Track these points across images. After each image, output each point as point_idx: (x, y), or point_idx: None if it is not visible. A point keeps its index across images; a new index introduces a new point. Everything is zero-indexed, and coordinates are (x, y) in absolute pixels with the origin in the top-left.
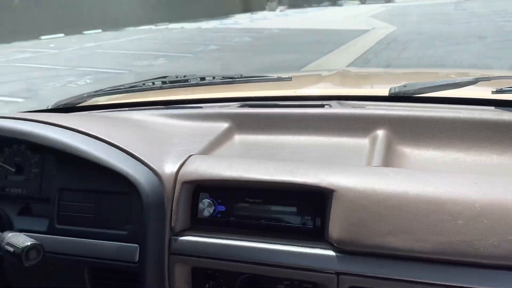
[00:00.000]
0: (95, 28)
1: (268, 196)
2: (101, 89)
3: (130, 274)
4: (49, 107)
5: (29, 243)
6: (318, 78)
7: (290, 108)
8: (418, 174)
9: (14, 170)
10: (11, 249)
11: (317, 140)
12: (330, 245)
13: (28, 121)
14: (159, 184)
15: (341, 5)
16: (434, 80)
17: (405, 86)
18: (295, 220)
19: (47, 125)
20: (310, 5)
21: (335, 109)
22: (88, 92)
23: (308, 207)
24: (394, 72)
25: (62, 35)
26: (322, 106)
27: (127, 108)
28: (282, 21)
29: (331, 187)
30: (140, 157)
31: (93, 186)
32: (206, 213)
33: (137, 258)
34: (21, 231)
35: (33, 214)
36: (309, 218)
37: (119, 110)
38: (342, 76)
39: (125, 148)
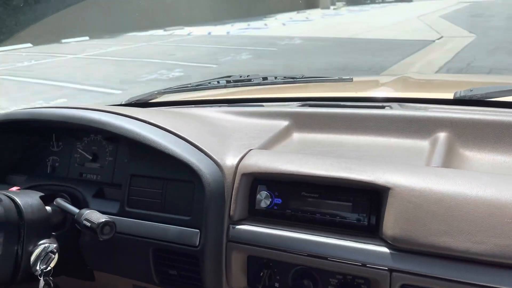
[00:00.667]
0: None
1: (324, 191)
2: (170, 87)
3: (191, 257)
4: (123, 103)
5: (103, 219)
6: (379, 82)
7: (350, 109)
8: (478, 175)
9: (91, 158)
10: (88, 223)
11: (376, 140)
12: (384, 242)
13: (106, 113)
14: (220, 175)
15: (410, 0)
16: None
17: (471, 90)
18: (350, 216)
19: (122, 116)
20: (373, 1)
21: (396, 110)
22: (158, 90)
23: (363, 204)
24: (459, 78)
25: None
26: (382, 107)
27: (193, 105)
28: (322, 24)
29: (387, 184)
30: (204, 149)
31: (160, 174)
32: (263, 204)
33: (197, 242)
34: None
35: (106, 198)
36: (364, 214)
37: (186, 106)
38: (404, 81)
39: (190, 139)
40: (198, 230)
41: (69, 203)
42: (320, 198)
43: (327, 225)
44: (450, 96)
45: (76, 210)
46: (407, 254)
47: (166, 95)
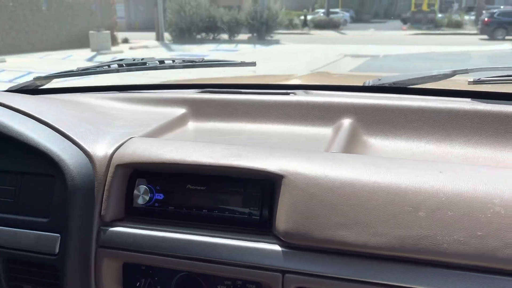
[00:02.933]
0: None
1: (212, 183)
2: (54, 73)
3: (48, 267)
4: (4, 90)
5: None
6: (290, 75)
7: (252, 95)
8: (377, 160)
9: None
10: None
11: (277, 128)
12: (277, 239)
13: None
14: (89, 167)
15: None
16: None
17: (379, 79)
18: (240, 210)
19: None
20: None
21: (300, 96)
22: (39, 75)
23: (255, 196)
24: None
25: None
26: (287, 94)
27: (82, 92)
28: None
29: (280, 172)
30: (70, 135)
31: (13, 167)
32: (141, 201)
33: (57, 250)
34: None
35: None
36: (256, 208)
37: (73, 94)
38: (319, 75)
39: (54, 125)
40: (58, 235)
41: None
42: (208, 191)
43: (215, 222)
44: (359, 84)
45: None
46: (301, 252)
47: (55, 81)
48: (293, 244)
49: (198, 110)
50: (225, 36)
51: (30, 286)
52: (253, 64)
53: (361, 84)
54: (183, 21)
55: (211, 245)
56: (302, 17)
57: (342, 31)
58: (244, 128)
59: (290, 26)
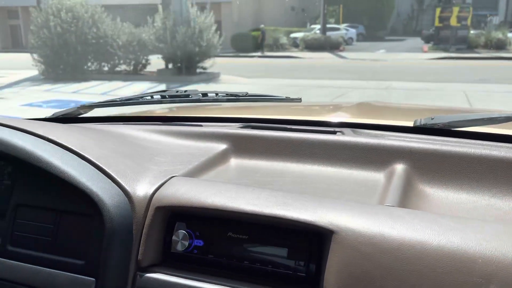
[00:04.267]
0: None
1: (256, 232)
2: (98, 102)
3: None
4: (46, 117)
5: None
6: (334, 107)
7: (297, 133)
8: (442, 219)
9: None
10: None
11: (324, 170)
12: None
13: None
14: (128, 208)
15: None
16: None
17: (432, 118)
18: (285, 265)
19: (14, 129)
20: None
21: (348, 136)
22: (82, 104)
23: (302, 250)
24: (420, 107)
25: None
26: (334, 133)
27: (123, 122)
28: None
29: (330, 227)
30: (111, 173)
31: (52, 204)
32: (180, 247)
33: None
34: None
35: None
36: (302, 263)
37: (114, 123)
38: (361, 107)
39: (95, 162)
40: (93, 279)
41: None
42: (251, 241)
43: (257, 275)
44: (409, 124)
45: None
46: None
47: (96, 110)
48: None
49: (240, 147)
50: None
51: None
52: (298, 100)
53: (412, 122)
54: (50, 43)
55: None
56: (294, 35)
57: (341, 54)
58: (288, 169)
59: (275, 46)
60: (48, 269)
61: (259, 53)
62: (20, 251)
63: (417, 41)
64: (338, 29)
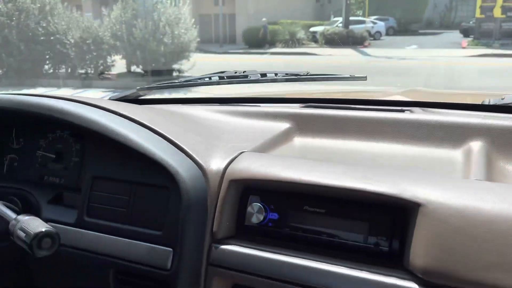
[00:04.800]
0: None
1: (333, 206)
2: (155, 84)
3: (160, 282)
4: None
5: (43, 229)
6: (396, 89)
7: (363, 111)
8: None
9: (53, 157)
10: (22, 234)
11: (394, 148)
12: (410, 274)
13: (70, 101)
14: (203, 181)
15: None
16: None
17: (502, 98)
18: (366, 239)
19: (88, 106)
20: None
21: (419, 114)
22: (141, 86)
23: (384, 224)
24: (474, 91)
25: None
26: (402, 111)
27: (182, 104)
28: None
29: (417, 200)
30: (185, 148)
31: (129, 176)
32: (255, 219)
33: (169, 265)
34: (48, 220)
35: (64, 204)
36: (384, 238)
37: (170, 105)
38: (418, 91)
39: (169, 136)
40: (171, 249)
41: (11, 208)
42: (328, 214)
43: (336, 249)
44: (478, 102)
45: (13, 216)
46: None
47: (153, 92)
48: (433, 282)
49: (304, 126)
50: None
51: None
52: (363, 78)
53: (478, 102)
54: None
55: (331, 274)
56: (314, 29)
57: (365, 50)
58: (356, 147)
59: (291, 42)
60: (126, 239)
61: (271, 49)
62: (97, 222)
63: (455, 35)
64: (363, 22)
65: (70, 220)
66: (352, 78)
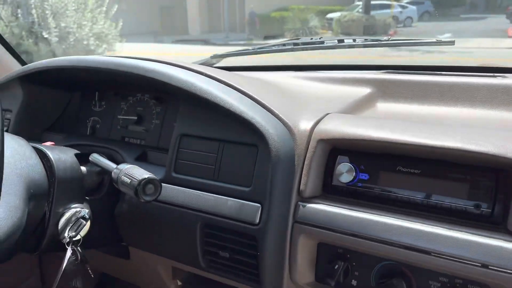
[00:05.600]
0: None
1: (430, 166)
2: (229, 52)
3: (248, 237)
4: None
5: (147, 176)
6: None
7: (450, 77)
8: None
9: (135, 119)
10: (127, 180)
11: (487, 113)
12: None
13: (157, 62)
14: (290, 139)
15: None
16: None
17: None
18: (465, 201)
19: (174, 66)
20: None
21: None
22: (214, 54)
23: (486, 186)
24: None
25: None
26: (494, 76)
27: (257, 71)
28: None
29: None
30: (272, 108)
31: (217, 134)
32: (344, 179)
33: (258, 219)
34: None
35: (149, 162)
36: (486, 199)
37: (250, 72)
38: None
39: (255, 97)
40: (259, 205)
41: (107, 160)
42: (424, 175)
43: (432, 211)
44: None
45: (113, 165)
46: None
47: (226, 59)
48: None
49: (387, 91)
50: None
51: (226, 254)
52: (452, 42)
53: None
54: None
55: (427, 234)
56: (331, 15)
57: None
58: (446, 113)
59: (302, 31)
60: (213, 194)
61: (276, 40)
62: (185, 178)
63: (502, 20)
64: (388, 6)
65: (158, 176)
66: (438, 43)
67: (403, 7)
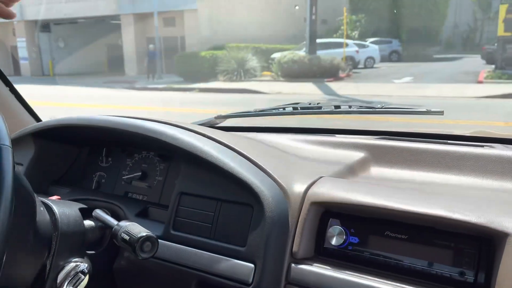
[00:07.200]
0: None
1: (416, 233)
2: (232, 113)
3: None
4: None
5: (145, 234)
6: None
7: (441, 145)
8: None
9: (139, 176)
10: (127, 237)
11: (474, 182)
12: None
13: (162, 123)
14: (285, 201)
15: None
16: None
17: None
18: (450, 268)
19: (179, 128)
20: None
21: (500, 150)
22: (218, 115)
23: (469, 254)
24: None
25: None
26: (481, 146)
27: (257, 132)
28: None
29: (504, 229)
30: (268, 170)
31: (214, 194)
32: (335, 242)
33: (251, 279)
34: None
35: (150, 218)
36: (470, 267)
37: (247, 132)
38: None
39: (252, 158)
40: (253, 265)
41: (109, 216)
42: (410, 240)
43: (418, 276)
44: None
45: (115, 222)
46: None
47: (228, 120)
48: None
49: (380, 156)
50: None
51: None
52: (440, 113)
53: None
54: None
55: None
56: (275, 55)
57: (332, 85)
58: (433, 179)
59: (237, 73)
60: (210, 253)
61: (199, 84)
62: (183, 235)
63: (478, 60)
64: (341, 45)
65: (157, 233)
66: (428, 112)
67: (363, 46)
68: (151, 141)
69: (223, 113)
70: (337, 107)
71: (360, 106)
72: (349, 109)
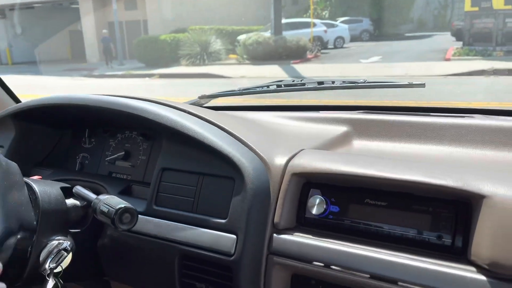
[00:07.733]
0: None
1: (394, 199)
2: (216, 92)
3: (224, 268)
4: None
5: (123, 205)
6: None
7: (422, 117)
8: None
9: (122, 155)
10: (105, 209)
11: (455, 151)
12: (475, 266)
13: (144, 101)
14: (266, 173)
15: None
16: None
17: None
18: (428, 232)
19: (159, 104)
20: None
21: (480, 120)
22: (203, 95)
23: (447, 217)
24: None
25: None
26: (462, 117)
27: (242, 111)
28: None
29: (481, 192)
30: (249, 143)
31: (196, 168)
32: (316, 211)
33: (233, 250)
34: None
35: (133, 196)
36: (447, 230)
37: (231, 111)
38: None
39: (235, 133)
40: (235, 236)
41: (89, 191)
42: (390, 207)
43: (397, 242)
44: None
45: (94, 196)
46: (509, 284)
47: (213, 100)
48: (499, 274)
49: (362, 130)
50: None
51: (203, 285)
52: (422, 85)
53: None
54: None
55: (394, 264)
56: (241, 37)
57: (297, 66)
58: (414, 151)
59: (200, 57)
60: (192, 226)
61: (158, 70)
62: (165, 210)
63: (448, 38)
64: (307, 25)
65: (140, 209)
66: (410, 85)
67: (331, 25)
68: (134, 119)
69: (204, 95)
70: (320, 83)
71: (343, 81)
72: (332, 85)
